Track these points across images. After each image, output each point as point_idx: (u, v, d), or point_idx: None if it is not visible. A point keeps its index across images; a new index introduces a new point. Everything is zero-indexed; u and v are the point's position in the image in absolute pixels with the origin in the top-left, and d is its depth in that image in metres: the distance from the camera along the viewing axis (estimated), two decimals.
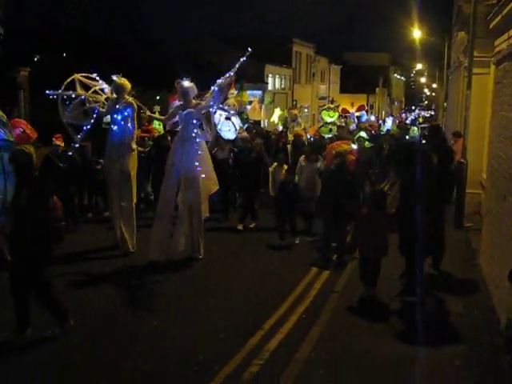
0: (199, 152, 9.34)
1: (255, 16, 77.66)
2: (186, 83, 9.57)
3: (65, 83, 9.43)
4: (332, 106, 18.22)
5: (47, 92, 9.47)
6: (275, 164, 12.07)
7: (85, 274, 8.65)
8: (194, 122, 9.36)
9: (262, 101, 37.32)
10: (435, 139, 9.08)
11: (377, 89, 65.39)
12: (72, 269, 8.67)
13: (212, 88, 9.40)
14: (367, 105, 55.82)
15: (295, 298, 7.72)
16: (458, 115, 18.91)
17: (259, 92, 38.38)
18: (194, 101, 9.55)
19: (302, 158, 11.60)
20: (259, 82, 39.38)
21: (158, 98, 24.15)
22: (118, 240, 9.79)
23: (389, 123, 32.35)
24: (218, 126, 12.49)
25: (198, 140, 9.36)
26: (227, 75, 9.39)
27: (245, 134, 13.80)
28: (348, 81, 61.70)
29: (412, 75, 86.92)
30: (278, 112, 23.26)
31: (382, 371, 5.67)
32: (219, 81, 9.33)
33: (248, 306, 7.41)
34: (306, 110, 47.63)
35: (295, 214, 10.72)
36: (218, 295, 7.76)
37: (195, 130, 9.33)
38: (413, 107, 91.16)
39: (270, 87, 41.95)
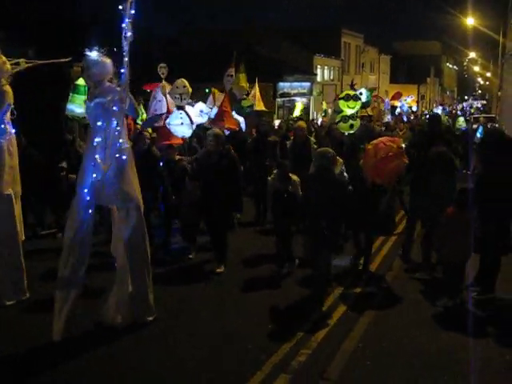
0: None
1: (304, 7, 77.28)
2: (95, 56, 6.22)
3: None
4: (352, 92, 12.12)
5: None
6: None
7: None
8: (114, 120, 6.14)
9: (310, 92, 37.24)
10: (436, 129, 9.05)
11: (428, 79, 64.14)
12: None
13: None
14: (418, 95, 54.87)
15: (341, 291, 7.76)
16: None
17: (308, 84, 38.30)
18: (108, 84, 6.28)
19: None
20: (308, 73, 39.26)
21: (206, 90, 24.38)
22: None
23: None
24: (167, 120, 10.29)
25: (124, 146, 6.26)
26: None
27: (217, 129, 9.17)
28: (398, 71, 60.72)
29: (465, 64, 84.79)
30: (299, 106, 22.50)
31: (430, 365, 5.64)
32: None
33: (295, 298, 7.51)
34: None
35: (290, 235, 8.52)
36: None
37: (118, 129, 6.14)
38: (465, 97, 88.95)
39: (318, 79, 41.74)
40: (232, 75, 12.39)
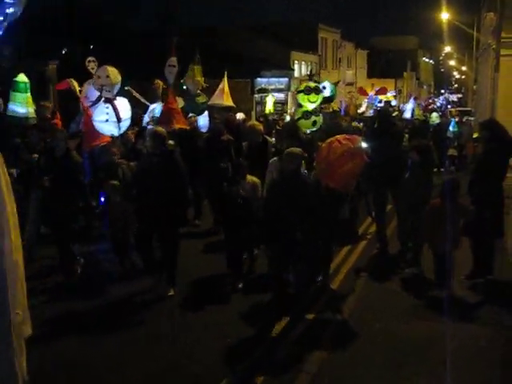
0: None
1: (281, 2, 77.38)
2: None
3: None
4: (313, 84, 10.14)
5: None
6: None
7: None
8: None
9: (288, 88, 37.29)
10: (385, 123, 9.30)
11: (405, 73, 64.55)
12: None
13: None
14: (395, 89, 55.23)
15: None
16: (487, 98, 18.70)
17: (286, 79, 38.32)
18: None
19: (273, 161, 8.06)
20: (285, 69, 39.28)
21: (184, 87, 24.30)
22: None
23: (409, 107, 25.08)
24: (93, 116, 8.98)
25: None
26: None
27: (158, 128, 7.95)
28: (375, 66, 61.03)
29: (441, 58, 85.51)
30: (271, 100, 20.85)
31: (411, 351, 5.77)
32: None
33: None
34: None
35: (241, 244, 7.66)
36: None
37: None
38: (442, 91, 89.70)
39: (296, 74, 41.78)
40: (174, 65, 10.79)
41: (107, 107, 8.75)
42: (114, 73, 8.85)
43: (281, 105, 29.26)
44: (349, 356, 5.75)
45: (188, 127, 11.06)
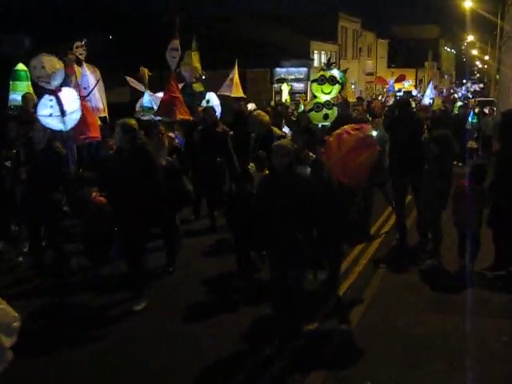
0: None
1: None
2: None
3: None
4: (328, 73, 9.04)
5: None
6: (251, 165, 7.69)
7: None
8: None
9: (307, 78, 37.06)
10: (404, 113, 9.08)
11: (426, 63, 63.77)
12: None
13: None
14: (416, 79, 54.63)
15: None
16: (509, 88, 18.33)
17: (305, 69, 38.09)
18: None
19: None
20: (305, 58, 39.02)
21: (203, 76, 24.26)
22: None
23: (428, 92, 24.11)
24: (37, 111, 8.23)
25: None
26: None
27: (129, 120, 6.81)
28: (396, 55, 60.40)
29: (463, 48, 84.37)
30: (286, 88, 19.90)
31: (427, 347, 5.64)
32: None
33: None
34: (352, 86, 47.01)
35: (248, 243, 7.20)
36: None
37: None
38: (464, 81, 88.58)
39: (315, 64, 41.50)
40: (177, 49, 10.34)
41: (51, 100, 8.03)
42: (50, 62, 8.10)
43: (298, 94, 28.97)
44: (360, 352, 5.63)
45: (190, 118, 10.42)
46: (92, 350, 5.74)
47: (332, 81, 8.81)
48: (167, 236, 7.89)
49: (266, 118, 9.38)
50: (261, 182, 6.31)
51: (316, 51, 42.39)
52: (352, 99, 16.20)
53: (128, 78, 12.15)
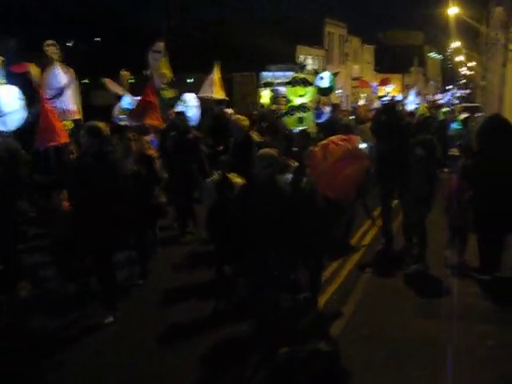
0: None
1: None
2: None
3: None
4: (301, 75, 8.83)
5: None
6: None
7: None
8: None
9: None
10: (392, 117, 9.00)
11: (412, 68, 64.21)
12: None
13: None
14: (402, 85, 54.91)
15: (325, 279, 7.65)
16: (495, 93, 18.46)
17: (291, 73, 38.16)
18: None
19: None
20: (291, 62, 39.10)
21: (188, 80, 24.20)
22: None
23: (410, 99, 24.18)
24: None
25: None
26: None
27: (96, 122, 6.39)
28: (382, 61, 60.77)
29: (448, 54, 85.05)
30: (267, 93, 19.91)
31: (413, 353, 5.62)
32: None
33: None
34: (339, 91, 47.15)
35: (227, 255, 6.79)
36: None
37: None
38: (450, 86, 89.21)
39: (309, 68, 41.66)
40: (159, 51, 10.14)
41: None
42: None
43: (285, 99, 28.98)
44: (348, 359, 5.58)
45: (161, 125, 10.12)
46: (54, 367, 5.54)
47: (304, 82, 8.37)
48: (139, 247, 7.62)
49: (246, 122, 8.90)
50: (240, 191, 5.88)
51: (302, 56, 42.52)
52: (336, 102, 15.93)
53: (106, 80, 11.81)
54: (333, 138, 6.12)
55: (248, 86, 31.07)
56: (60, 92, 8.86)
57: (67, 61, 9.48)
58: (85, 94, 10.31)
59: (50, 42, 9.26)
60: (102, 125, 6.28)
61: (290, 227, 5.40)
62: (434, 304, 6.80)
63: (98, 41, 33.27)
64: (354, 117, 15.89)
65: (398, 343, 5.79)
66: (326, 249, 6.44)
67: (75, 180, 6.19)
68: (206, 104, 11.94)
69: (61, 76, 9.11)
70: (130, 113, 9.90)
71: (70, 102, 9.21)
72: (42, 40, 9.25)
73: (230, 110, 12.75)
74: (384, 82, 26.48)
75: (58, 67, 9.17)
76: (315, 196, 5.86)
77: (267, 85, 33.92)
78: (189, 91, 12.36)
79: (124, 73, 11.02)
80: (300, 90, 8.15)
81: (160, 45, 10.25)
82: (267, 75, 35.21)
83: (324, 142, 6.15)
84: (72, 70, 9.43)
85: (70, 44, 30.18)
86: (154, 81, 10.13)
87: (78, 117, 9.38)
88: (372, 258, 8.62)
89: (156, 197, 7.76)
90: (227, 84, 13.66)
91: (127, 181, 6.35)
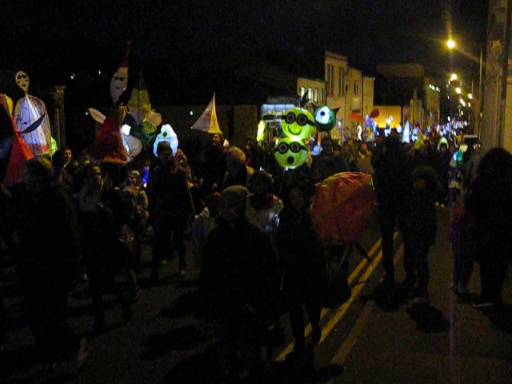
0: None
1: (286, 31, 78.18)
2: None
3: None
4: (298, 111, 7.54)
5: None
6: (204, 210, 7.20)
7: None
8: None
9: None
10: (393, 150, 8.96)
11: (411, 100, 64.83)
12: None
13: None
14: (401, 117, 55.41)
15: (327, 311, 7.61)
16: (493, 125, 18.59)
17: (292, 106, 38.47)
18: None
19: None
20: (292, 95, 39.51)
21: (191, 113, 24.43)
22: None
23: (406, 132, 24.73)
24: None
25: None
26: None
27: (40, 159, 6.01)
28: (382, 93, 61.41)
29: (447, 86, 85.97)
30: (262, 125, 19.84)
31: None
32: None
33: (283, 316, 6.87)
34: (339, 123, 47.50)
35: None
36: None
37: None
38: (448, 118, 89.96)
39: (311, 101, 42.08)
40: (122, 78, 9.45)
41: None
42: None
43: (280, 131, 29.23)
44: None
45: (122, 161, 9.53)
46: None
47: (302, 120, 7.38)
48: (110, 289, 7.13)
49: (242, 156, 8.60)
50: (210, 235, 5.06)
51: (303, 88, 42.99)
52: (336, 137, 15.93)
53: (91, 110, 11.72)
54: (342, 174, 5.74)
55: (248, 118, 31.36)
56: (31, 126, 8.64)
57: (71, 92, 9.41)
58: (88, 125, 10.28)
59: (20, 73, 9.06)
60: (44, 160, 5.82)
61: (265, 276, 4.81)
62: (437, 338, 6.73)
63: (100, 74, 33.76)
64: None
65: (400, 379, 5.71)
66: (322, 297, 5.99)
67: (19, 222, 5.76)
68: (202, 136, 11.81)
69: (30, 109, 8.91)
70: (86, 149, 9.46)
71: (40, 136, 8.96)
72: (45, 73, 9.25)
73: (226, 143, 12.76)
74: (373, 114, 26.78)
75: (28, 100, 8.97)
76: (311, 236, 5.42)
77: (267, 117, 34.24)
78: (191, 124, 12.48)
79: (123, 107, 10.76)
80: (294, 127, 7.39)
81: (123, 70, 9.48)
82: (268, 108, 35.54)
83: (333, 178, 5.74)
84: (42, 102, 9.19)
85: (72, 78, 30.71)
86: (116, 112, 9.60)
87: (46, 152, 9.00)
88: (374, 290, 8.58)
89: (123, 235, 7.27)
90: (228, 116, 13.69)
91: (75, 222, 5.77)
